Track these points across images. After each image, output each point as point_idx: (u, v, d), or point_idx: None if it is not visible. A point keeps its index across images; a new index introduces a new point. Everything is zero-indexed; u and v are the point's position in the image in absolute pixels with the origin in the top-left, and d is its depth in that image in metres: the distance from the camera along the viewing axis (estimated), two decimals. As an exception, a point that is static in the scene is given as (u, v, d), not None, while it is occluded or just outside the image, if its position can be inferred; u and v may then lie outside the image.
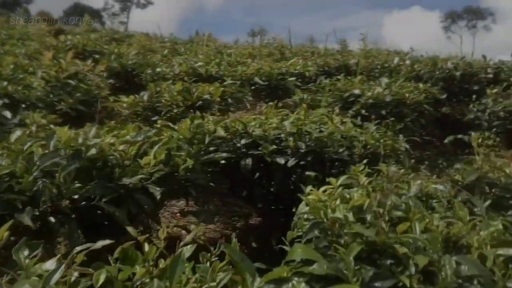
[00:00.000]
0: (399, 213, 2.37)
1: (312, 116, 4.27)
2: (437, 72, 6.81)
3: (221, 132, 3.22)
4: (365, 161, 3.02)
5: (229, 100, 5.28)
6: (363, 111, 5.99)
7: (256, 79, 7.19)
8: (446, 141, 6.12)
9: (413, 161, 5.83)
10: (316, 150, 3.27)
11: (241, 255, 1.69)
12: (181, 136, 3.15)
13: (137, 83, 7.44)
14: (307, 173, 3.15)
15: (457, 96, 6.93)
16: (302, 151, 3.26)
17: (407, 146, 3.82)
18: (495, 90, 6.70)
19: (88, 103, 6.05)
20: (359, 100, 6.06)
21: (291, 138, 3.27)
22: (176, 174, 2.68)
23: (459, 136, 6.12)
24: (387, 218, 2.30)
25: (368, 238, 1.87)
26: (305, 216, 2.18)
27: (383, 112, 5.82)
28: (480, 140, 6.61)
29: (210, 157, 2.91)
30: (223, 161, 3.40)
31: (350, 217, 2.06)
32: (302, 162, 3.31)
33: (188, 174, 2.66)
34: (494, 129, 5.92)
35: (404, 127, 5.86)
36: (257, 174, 3.61)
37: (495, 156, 5.23)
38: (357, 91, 6.13)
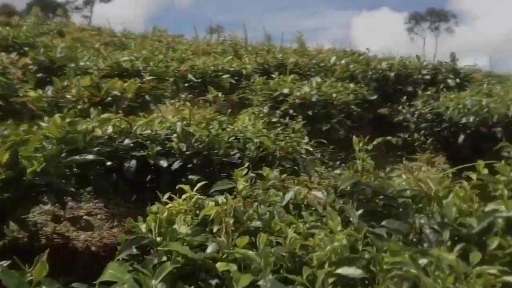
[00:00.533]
0: (258, 224, 2.18)
1: (220, 116, 4.05)
2: (370, 73, 6.72)
3: (98, 132, 2.94)
4: (247, 164, 2.81)
5: (147, 97, 4.99)
6: (291, 111, 5.83)
7: (190, 76, 6.94)
8: (374, 142, 6.01)
9: (338, 162, 5.73)
10: (202, 152, 3.04)
11: (19, 281, 1.44)
12: (51, 135, 2.86)
13: (65, 78, 7.05)
14: (190, 177, 2.92)
15: (391, 97, 6.87)
16: (188, 153, 3.02)
17: (310, 149, 3.64)
18: (428, 92, 6.67)
19: (8, 97, 5.66)
20: (287, 99, 5.89)
21: (175, 139, 3.03)
22: (24, 178, 2.39)
23: (388, 138, 6.03)
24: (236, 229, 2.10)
25: (189, 256, 1.65)
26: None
27: (310, 112, 5.67)
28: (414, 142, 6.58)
29: (74, 159, 2.63)
30: (109, 163, 3.15)
31: (184, 230, 1.83)
32: (189, 165, 3.08)
33: (37, 178, 2.37)
34: (423, 131, 5.87)
35: (331, 128, 5.75)
36: (149, 177, 3.35)
37: (407, 160, 5.15)
38: (286, 91, 5.97)
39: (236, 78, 7.37)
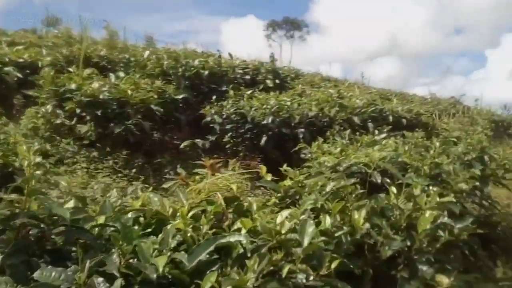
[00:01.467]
0: None
1: None
2: (180, 70, 6.01)
3: None
4: None
5: None
6: (78, 110, 4.79)
7: (-43, 67, 5.40)
8: (182, 146, 5.32)
9: (134, 170, 4.86)
10: None
11: None
12: None
13: None
14: None
15: (206, 96, 6.23)
16: None
17: (36, 159, 2.67)
18: (249, 92, 6.20)
19: None
20: (74, 97, 4.83)
21: None
22: None
23: (197, 140, 5.38)
24: None
25: None
26: None
27: (99, 112, 4.70)
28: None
29: None
30: None
31: None
32: None
33: None
34: (230, 133, 5.32)
35: (126, 130, 4.85)
36: None
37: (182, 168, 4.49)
38: (73, 86, 4.90)
39: (28, 71, 6.02)
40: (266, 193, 4.48)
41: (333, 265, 2.08)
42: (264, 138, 4.83)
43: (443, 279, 2.60)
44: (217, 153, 6.19)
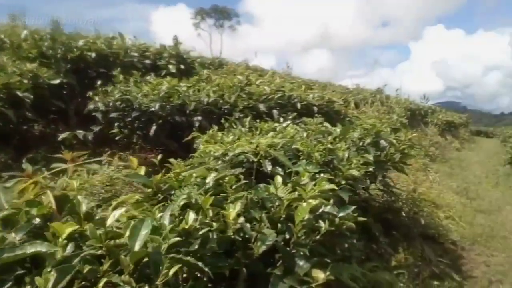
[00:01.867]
0: None
1: None
2: (60, 51, 5.39)
3: None
4: None
5: None
6: None
7: None
8: (60, 138, 4.77)
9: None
10: None
11: None
12: None
13: None
14: None
15: (95, 82, 5.65)
16: None
17: None
18: (148, 77, 5.72)
19: None
20: None
21: None
22: None
23: (78, 131, 4.85)
24: None
25: None
26: None
27: None
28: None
29: None
30: None
31: None
32: None
33: None
34: (117, 123, 4.85)
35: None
36: None
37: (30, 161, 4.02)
38: None
39: None
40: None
41: (172, 271, 1.78)
42: (153, 127, 4.43)
43: (319, 274, 2.41)
44: (108, 146, 5.69)
